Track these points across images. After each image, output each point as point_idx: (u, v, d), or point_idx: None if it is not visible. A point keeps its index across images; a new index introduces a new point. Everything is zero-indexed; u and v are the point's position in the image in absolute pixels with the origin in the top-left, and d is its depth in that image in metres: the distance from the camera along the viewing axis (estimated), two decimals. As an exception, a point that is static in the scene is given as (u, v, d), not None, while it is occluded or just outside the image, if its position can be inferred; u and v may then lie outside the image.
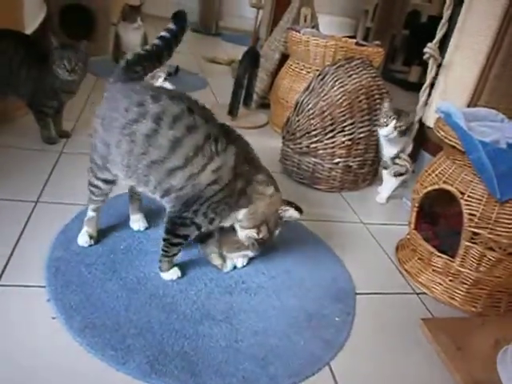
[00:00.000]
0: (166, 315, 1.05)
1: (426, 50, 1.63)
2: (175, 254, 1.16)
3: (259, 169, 1.12)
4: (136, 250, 1.24)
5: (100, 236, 1.25)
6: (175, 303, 1.09)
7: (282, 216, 1.11)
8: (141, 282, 1.13)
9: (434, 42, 1.61)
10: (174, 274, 1.17)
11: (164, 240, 1.13)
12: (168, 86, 1.92)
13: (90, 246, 1.21)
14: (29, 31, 2.02)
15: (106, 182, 1.16)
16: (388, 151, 1.74)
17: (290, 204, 1.11)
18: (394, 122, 1.63)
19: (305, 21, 2.65)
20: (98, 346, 0.92)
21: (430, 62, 1.65)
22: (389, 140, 1.69)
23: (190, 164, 1.01)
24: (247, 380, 0.93)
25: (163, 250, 1.14)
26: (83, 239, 1.21)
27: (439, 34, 1.58)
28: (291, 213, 1.11)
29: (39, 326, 0.95)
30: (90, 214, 1.22)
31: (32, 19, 2.30)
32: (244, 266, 1.27)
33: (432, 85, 1.72)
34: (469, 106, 1.53)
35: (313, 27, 2.53)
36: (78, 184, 1.49)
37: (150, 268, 1.18)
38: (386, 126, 1.64)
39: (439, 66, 1.65)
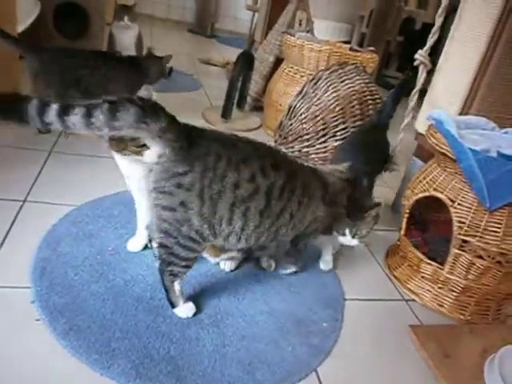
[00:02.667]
0: (153, 318, 1.04)
1: (416, 56, 1.63)
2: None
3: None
4: (124, 252, 1.22)
5: (87, 237, 1.24)
6: (162, 306, 1.08)
7: None
8: (128, 284, 1.12)
9: (425, 48, 1.62)
10: None
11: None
12: (144, 92, 1.88)
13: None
14: (21, 28, 2.00)
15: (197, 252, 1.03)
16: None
17: None
18: (348, 231, 1.20)
19: (300, 25, 2.66)
20: (82, 350, 0.91)
21: (420, 68, 1.66)
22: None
23: (295, 217, 1.08)
24: (233, 386, 0.92)
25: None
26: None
27: (430, 40, 1.59)
28: None
29: (22, 328, 0.94)
30: (178, 287, 1.05)
31: (25, 16, 2.28)
32: (232, 271, 1.26)
33: (425, 91, 1.73)
34: (460, 113, 1.54)
35: (308, 31, 2.54)
36: (67, 184, 1.48)
37: (137, 270, 1.17)
38: (343, 234, 1.21)
39: (429, 72, 1.65)
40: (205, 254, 1.22)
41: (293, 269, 1.31)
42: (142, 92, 1.83)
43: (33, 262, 1.11)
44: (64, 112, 0.80)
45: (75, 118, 0.80)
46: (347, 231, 1.19)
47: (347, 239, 1.21)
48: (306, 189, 1.08)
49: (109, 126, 0.82)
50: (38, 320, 0.96)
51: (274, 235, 1.09)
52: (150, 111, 0.85)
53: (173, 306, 1.05)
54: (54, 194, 1.41)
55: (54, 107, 0.80)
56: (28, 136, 1.73)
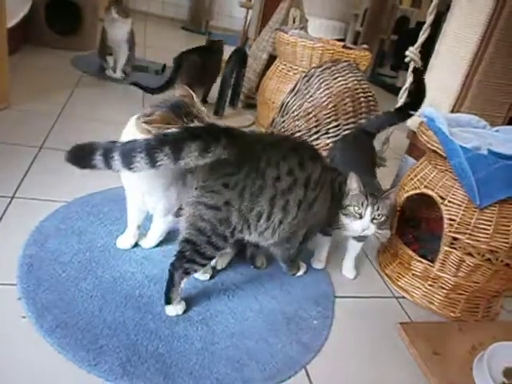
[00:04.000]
0: (142, 316, 1.03)
1: (407, 53, 1.64)
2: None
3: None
4: (113, 249, 1.21)
5: (76, 234, 1.23)
6: (151, 304, 1.07)
7: None
8: (117, 281, 1.11)
9: (416, 45, 1.62)
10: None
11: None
12: None
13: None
14: (11, 23, 1.98)
15: (221, 250, 1.05)
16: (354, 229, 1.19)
17: None
18: (370, 210, 1.14)
19: (293, 22, 2.65)
20: (69, 347, 0.90)
21: (411, 65, 1.66)
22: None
23: (321, 207, 1.13)
24: (221, 383, 0.91)
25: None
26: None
27: (421, 38, 1.60)
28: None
29: (8, 325, 0.93)
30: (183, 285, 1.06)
31: (15, 11, 2.26)
32: (224, 268, 1.25)
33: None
34: (452, 111, 1.54)
35: (301, 29, 2.53)
36: (57, 180, 1.46)
37: (126, 267, 1.16)
38: (360, 217, 1.15)
39: (415, 70, 1.65)
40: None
41: (304, 269, 1.33)
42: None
43: (20, 258, 1.10)
44: (127, 163, 0.85)
45: (140, 165, 0.84)
46: (368, 211, 1.12)
47: (365, 223, 1.13)
48: (326, 178, 1.13)
49: (174, 165, 0.86)
50: (24, 317, 0.95)
51: (302, 227, 1.12)
52: (211, 138, 0.87)
53: (168, 302, 1.05)
54: (43, 190, 1.39)
55: (117, 158, 0.85)
56: (18, 132, 1.71)
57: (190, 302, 1.10)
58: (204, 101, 2.50)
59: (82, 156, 0.88)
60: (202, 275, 1.18)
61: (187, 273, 1.03)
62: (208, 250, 1.00)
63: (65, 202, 1.36)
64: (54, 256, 1.13)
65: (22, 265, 1.08)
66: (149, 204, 1.14)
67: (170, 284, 1.03)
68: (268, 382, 0.95)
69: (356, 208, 1.14)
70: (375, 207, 1.13)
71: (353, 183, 1.15)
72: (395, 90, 3.62)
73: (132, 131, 1.00)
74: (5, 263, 1.08)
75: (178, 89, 1.08)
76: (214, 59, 2.50)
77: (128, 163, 0.84)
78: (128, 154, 0.84)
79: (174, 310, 1.05)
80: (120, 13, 2.43)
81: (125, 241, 1.23)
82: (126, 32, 2.54)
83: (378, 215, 1.14)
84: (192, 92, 1.06)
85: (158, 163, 0.84)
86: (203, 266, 1.06)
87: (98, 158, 0.86)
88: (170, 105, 1.01)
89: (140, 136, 0.94)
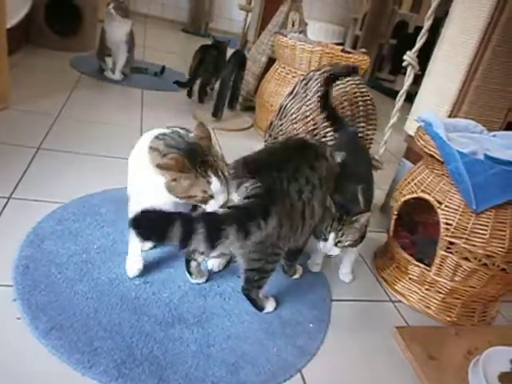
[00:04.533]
0: (137, 318, 1.03)
1: (405, 57, 1.65)
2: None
3: None
4: (110, 251, 1.21)
5: (73, 235, 1.22)
6: (147, 306, 1.07)
7: None
8: (113, 283, 1.11)
9: (414, 50, 1.63)
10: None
11: None
12: None
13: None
14: (10, 23, 1.98)
15: (280, 258, 1.11)
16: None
17: None
18: (333, 235, 1.12)
19: (293, 25, 2.66)
20: (63, 349, 0.90)
21: (408, 69, 1.67)
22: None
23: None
24: (216, 386, 0.91)
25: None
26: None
27: (419, 42, 1.60)
28: None
29: (3, 327, 0.92)
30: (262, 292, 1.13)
31: (15, 11, 2.26)
32: (220, 271, 1.25)
33: (415, 94, 1.74)
34: (449, 116, 1.54)
35: (300, 32, 2.54)
36: (54, 181, 1.46)
37: (122, 269, 1.15)
38: (324, 239, 1.13)
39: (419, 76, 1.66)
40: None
41: (301, 272, 1.33)
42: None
43: (16, 259, 1.09)
44: (213, 238, 0.83)
45: (230, 239, 0.85)
46: (332, 236, 1.12)
47: (328, 246, 1.13)
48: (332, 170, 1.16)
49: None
50: (19, 318, 0.94)
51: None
52: (251, 221, 0.88)
53: (262, 309, 1.14)
54: (40, 191, 1.39)
55: (201, 231, 0.82)
56: (16, 132, 1.71)
57: (185, 304, 1.10)
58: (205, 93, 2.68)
59: (155, 227, 0.80)
60: (198, 278, 1.18)
61: (259, 286, 1.10)
62: (269, 266, 1.07)
63: (62, 202, 1.36)
64: (50, 257, 1.13)
65: (18, 266, 1.07)
66: None
67: (255, 303, 1.12)
68: (263, 385, 0.95)
69: (323, 229, 1.13)
70: (339, 234, 1.12)
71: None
72: (393, 94, 3.64)
73: (144, 151, 0.99)
74: (0, 264, 1.07)
75: (196, 128, 1.02)
76: (221, 57, 2.66)
77: (215, 238, 0.82)
78: (215, 225, 0.82)
79: (271, 306, 1.15)
80: (117, 10, 2.42)
81: (134, 268, 1.14)
82: (125, 33, 2.54)
83: (342, 240, 1.13)
84: (210, 132, 1.02)
85: (250, 235, 0.87)
86: (271, 275, 1.10)
87: (177, 231, 0.79)
88: (186, 148, 0.97)
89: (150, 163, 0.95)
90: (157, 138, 1.01)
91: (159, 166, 0.91)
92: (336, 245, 1.13)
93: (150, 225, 0.81)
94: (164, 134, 1.01)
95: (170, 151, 0.95)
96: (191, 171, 0.94)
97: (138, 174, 1.04)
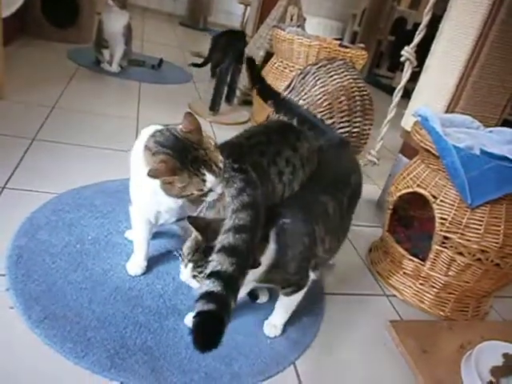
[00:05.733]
0: (131, 308, 1.02)
1: (403, 52, 1.64)
2: None
3: None
4: (104, 242, 1.21)
5: (67, 225, 1.22)
6: (141, 297, 1.07)
7: None
8: (107, 273, 1.10)
9: (412, 45, 1.62)
10: None
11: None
12: None
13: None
14: (6, 13, 1.96)
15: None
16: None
17: None
18: (191, 266, 0.88)
19: (291, 20, 2.65)
20: (56, 338, 0.90)
21: (406, 64, 1.67)
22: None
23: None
24: (209, 377, 0.91)
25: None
26: None
27: (417, 38, 1.60)
28: None
29: (-4, 316, 0.92)
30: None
31: (11, 0, 2.24)
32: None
33: (412, 89, 1.74)
34: (446, 111, 1.54)
35: (298, 27, 2.53)
36: (49, 172, 1.46)
37: (117, 260, 1.15)
38: (185, 266, 0.89)
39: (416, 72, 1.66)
40: None
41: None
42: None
43: (9, 249, 1.09)
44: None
45: None
46: (189, 268, 0.89)
47: (184, 275, 0.90)
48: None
49: None
50: (12, 308, 0.94)
51: None
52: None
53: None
54: (35, 181, 1.38)
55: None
56: (11, 123, 1.69)
57: (180, 295, 1.10)
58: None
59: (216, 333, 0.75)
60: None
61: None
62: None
63: (56, 193, 1.35)
64: (44, 247, 1.12)
65: (12, 255, 1.07)
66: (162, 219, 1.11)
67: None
68: (256, 377, 0.95)
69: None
70: (196, 271, 0.89)
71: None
72: (391, 91, 3.64)
73: (140, 152, 0.95)
74: (-6, 253, 1.07)
75: (184, 119, 0.91)
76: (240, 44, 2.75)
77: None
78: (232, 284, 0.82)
79: (265, 297, 1.17)
80: (116, 1, 2.41)
81: (137, 267, 1.14)
82: (123, 25, 2.53)
83: (200, 277, 0.89)
84: (198, 122, 0.93)
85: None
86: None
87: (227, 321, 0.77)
88: (175, 146, 0.90)
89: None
90: (152, 136, 0.97)
91: (150, 175, 0.87)
92: (194, 278, 0.90)
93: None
94: (157, 131, 0.97)
95: (159, 149, 0.90)
96: (183, 171, 0.88)
97: (138, 178, 1.00)
